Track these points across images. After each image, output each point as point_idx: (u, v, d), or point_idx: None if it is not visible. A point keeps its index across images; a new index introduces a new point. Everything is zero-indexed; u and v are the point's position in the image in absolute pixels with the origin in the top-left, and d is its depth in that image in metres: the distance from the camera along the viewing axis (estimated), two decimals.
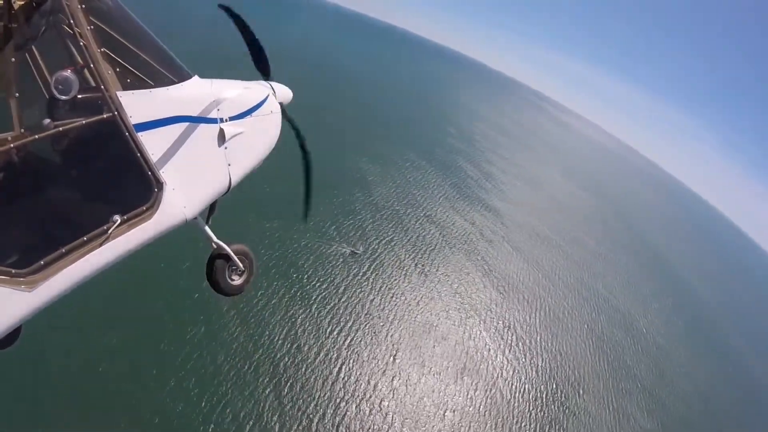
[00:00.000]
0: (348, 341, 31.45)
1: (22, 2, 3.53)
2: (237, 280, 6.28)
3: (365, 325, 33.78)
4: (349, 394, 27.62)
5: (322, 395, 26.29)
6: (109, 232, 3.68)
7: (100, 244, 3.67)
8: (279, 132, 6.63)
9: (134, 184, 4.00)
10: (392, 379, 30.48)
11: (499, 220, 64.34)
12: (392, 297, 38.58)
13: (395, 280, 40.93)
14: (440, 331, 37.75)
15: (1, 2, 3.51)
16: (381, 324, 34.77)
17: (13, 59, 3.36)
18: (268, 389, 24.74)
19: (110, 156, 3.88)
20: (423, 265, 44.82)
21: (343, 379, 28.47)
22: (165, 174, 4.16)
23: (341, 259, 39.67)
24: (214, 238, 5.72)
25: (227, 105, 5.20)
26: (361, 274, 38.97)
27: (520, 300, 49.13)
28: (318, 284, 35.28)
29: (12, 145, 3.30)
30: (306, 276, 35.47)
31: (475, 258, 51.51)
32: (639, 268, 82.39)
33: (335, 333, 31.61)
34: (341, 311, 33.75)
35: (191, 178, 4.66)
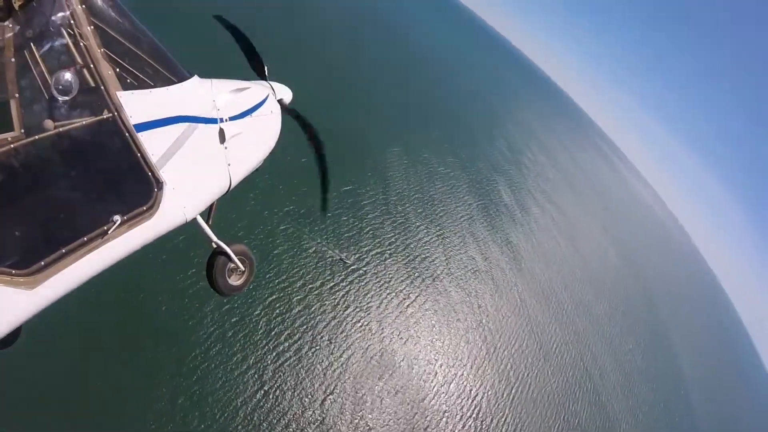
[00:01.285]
0: (286, 358, 26.95)
1: (22, 2, 3.52)
2: (237, 280, 6.32)
3: (310, 344, 28.60)
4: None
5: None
6: (109, 232, 3.71)
7: (100, 245, 3.69)
8: (279, 132, 6.67)
9: (134, 185, 4.03)
10: None
11: (516, 263, 55.24)
12: (358, 323, 32.87)
13: (371, 303, 34.82)
14: (394, 382, 31.25)
15: (1, 2, 3.51)
16: (325, 349, 29.39)
17: (13, 59, 3.36)
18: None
19: (110, 156, 3.90)
20: (411, 295, 38.01)
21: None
22: (165, 174, 4.18)
23: (327, 262, 35.05)
24: (214, 238, 5.73)
25: (227, 105, 5.24)
26: (336, 283, 33.52)
27: (502, 367, 40.85)
28: (287, 281, 30.77)
29: (12, 146, 3.28)
30: (280, 270, 31.11)
31: (474, 301, 43.65)
32: (644, 365, 67.06)
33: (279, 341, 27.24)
34: (294, 321, 28.84)
35: (191, 178, 4.68)
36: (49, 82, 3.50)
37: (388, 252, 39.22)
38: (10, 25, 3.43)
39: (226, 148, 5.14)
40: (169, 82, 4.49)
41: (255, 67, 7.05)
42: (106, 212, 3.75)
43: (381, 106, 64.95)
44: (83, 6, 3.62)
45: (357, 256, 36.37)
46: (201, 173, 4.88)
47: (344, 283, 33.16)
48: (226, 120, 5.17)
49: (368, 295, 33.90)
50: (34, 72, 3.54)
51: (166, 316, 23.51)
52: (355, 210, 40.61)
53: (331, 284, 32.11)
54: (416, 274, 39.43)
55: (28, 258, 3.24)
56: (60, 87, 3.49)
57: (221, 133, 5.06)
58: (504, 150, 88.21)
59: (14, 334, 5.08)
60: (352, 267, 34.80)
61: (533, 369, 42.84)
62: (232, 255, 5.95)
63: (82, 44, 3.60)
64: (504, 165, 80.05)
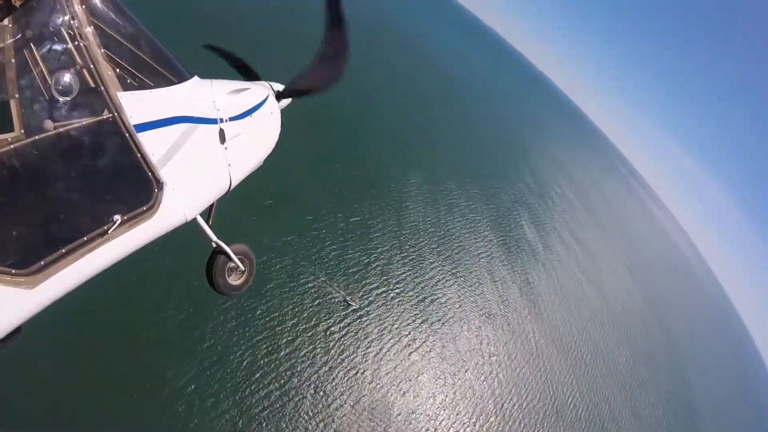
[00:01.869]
0: (266, 405, 24.66)
1: (22, 2, 3.54)
2: (237, 280, 6.31)
3: (295, 392, 25.94)
4: None
5: None
6: (109, 232, 3.74)
7: (100, 245, 3.72)
8: (279, 132, 6.70)
9: (134, 185, 4.04)
10: None
11: (535, 306, 50.19)
12: (352, 371, 29.46)
13: (370, 349, 30.87)
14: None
15: (1, 2, 3.55)
16: (311, 398, 26.68)
17: (13, 59, 3.37)
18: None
19: (110, 156, 3.91)
20: (415, 341, 34.31)
21: None
22: (165, 174, 4.21)
23: (325, 300, 31.45)
24: (214, 238, 5.74)
25: (227, 105, 5.28)
26: (332, 324, 30.26)
27: (510, 425, 36.22)
28: (277, 319, 27.85)
29: (12, 146, 3.31)
30: (272, 306, 28.25)
31: (485, 349, 39.64)
32: (664, 420, 60.48)
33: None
34: (280, 364, 26.18)
35: (191, 179, 4.71)
36: (49, 82, 3.53)
37: (395, 291, 36.03)
38: (10, 25, 3.45)
39: (226, 148, 5.17)
40: (170, 83, 4.54)
41: (248, 77, 7.27)
42: (106, 212, 3.79)
43: (402, 129, 63.00)
44: (83, 6, 3.67)
45: (360, 294, 33.39)
46: (201, 173, 4.91)
47: (341, 325, 30.27)
48: (226, 120, 5.21)
49: (367, 339, 30.85)
50: (34, 72, 3.56)
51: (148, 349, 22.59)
52: (364, 243, 37.66)
53: (327, 325, 29.40)
54: (423, 317, 36.02)
55: (28, 258, 3.27)
56: (60, 87, 3.52)
57: (221, 133, 5.09)
58: (529, 181, 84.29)
59: (14, 334, 5.06)
60: (350, 303, 31.91)
61: (544, 426, 38.66)
62: (232, 254, 5.96)
63: (82, 45, 3.63)
64: (529, 198, 76.37)
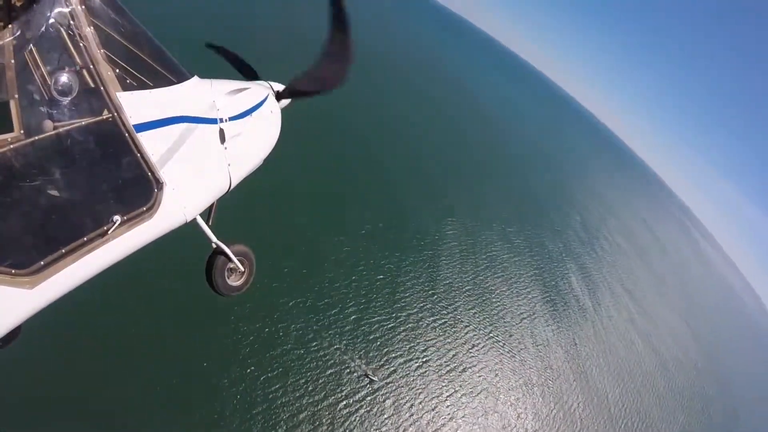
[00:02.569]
0: None
1: (22, 2, 3.54)
2: (236, 281, 6.27)
3: None
4: None
5: None
6: (109, 232, 3.74)
7: (100, 245, 3.72)
8: (279, 132, 6.69)
9: (134, 185, 4.04)
10: None
11: (581, 374, 44.09)
12: None
13: (388, 423, 27.34)
14: None
15: (1, 2, 3.54)
16: None
17: (13, 60, 3.37)
18: None
19: (110, 157, 3.92)
20: (436, 419, 29.37)
21: None
22: (165, 174, 4.22)
23: (340, 370, 27.76)
24: (214, 239, 5.71)
25: (227, 105, 5.28)
26: (342, 397, 26.57)
27: None
28: (280, 391, 24.72)
29: (12, 146, 3.32)
30: (276, 376, 25.08)
31: (523, 424, 34.48)
32: None
33: None
34: None
35: (191, 179, 4.71)
36: (49, 82, 3.54)
37: (422, 360, 31.50)
38: (10, 25, 3.47)
39: (226, 148, 5.16)
40: (169, 83, 4.55)
41: (248, 75, 7.32)
42: (106, 212, 3.79)
43: (436, 170, 58.89)
44: (83, 6, 3.68)
45: (382, 363, 29.02)
46: (201, 173, 4.91)
47: (353, 399, 26.38)
48: (226, 120, 5.21)
49: (382, 417, 26.74)
50: (34, 72, 3.58)
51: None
52: (390, 304, 33.04)
53: (336, 398, 25.64)
54: (450, 391, 31.22)
55: (27, 257, 3.27)
56: (60, 87, 3.54)
57: (221, 133, 5.09)
58: (577, 227, 78.13)
59: (14, 334, 5.09)
60: (371, 378, 27.66)
61: None
62: (232, 255, 5.93)
63: (81, 45, 3.65)
64: (577, 247, 69.67)
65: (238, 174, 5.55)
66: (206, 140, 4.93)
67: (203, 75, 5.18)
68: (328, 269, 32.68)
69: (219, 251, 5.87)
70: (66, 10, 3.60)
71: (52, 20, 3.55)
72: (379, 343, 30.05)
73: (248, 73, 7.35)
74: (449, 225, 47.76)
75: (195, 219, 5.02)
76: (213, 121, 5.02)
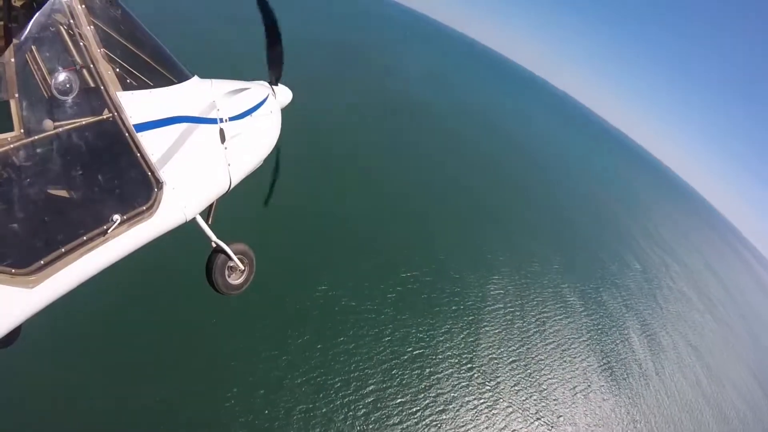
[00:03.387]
0: None
1: (22, 2, 3.68)
2: (236, 280, 6.27)
3: None
4: None
5: None
6: (109, 232, 3.75)
7: (100, 244, 3.73)
8: (279, 132, 6.73)
9: (134, 184, 4.06)
10: None
11: None
12: None
13: None
14: None
15: (1, 2, 3.65)
16: None
17: (13, 59, 3.39)
18: None
19: (110, 156, 3.94)
20: None
21: None
22: (165, 174, 4.23)
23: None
24: (214, 238, 5.71)
25: (227, 105, 5.32)
26: None
27: None
28: None
29: (12, 146, 3.34)
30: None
31: None
32: None
33: None
34: None
35: (191, 178, 4.72)
36: (49, 82, 3.58)
37: None
38: (10, 25, 3.55)
39: (226, 148, 5.19)
40: (169, 82, 4.59)
41: (273, 67, 6.91)
42: (105, 212, 3.80)
43: (474, 217, 52.96)
44: (83, 6, 3.71)
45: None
46: (201, 173, 4.93)
47: None
48: (226, 120, 5.24)
49: None
50: (34, 72, 3.64)
51: None
52: (418, 382, 29.00)
53: None
54: None
55: (27, 257, 3.28)
56: (60, 87, 3.57)
57: (221, 133, 5.12)
58: (637, 276, 69.39)
59: (14, 334, 5.06)
60: None
61: None
62: (232, 254, 5.93)
63: (81, 44, 3.67)
64: (637, 298, 61.53)
65: (238, 174, 5.58)
66: (206, 140, 4.95)
67: (203, 75, 5.22)
68: (346, 339, 28.91)
69: (219, 250, 5.86)
70: (66, 9, 3.64)
71: (52, 20, 3.59)
72: (399, 430, 26.00)
73: (275, 61, 6.93)
74: (493, 283, 42.99)
75: (195, 218, 5.05)
76: (213, 121, 5.05)
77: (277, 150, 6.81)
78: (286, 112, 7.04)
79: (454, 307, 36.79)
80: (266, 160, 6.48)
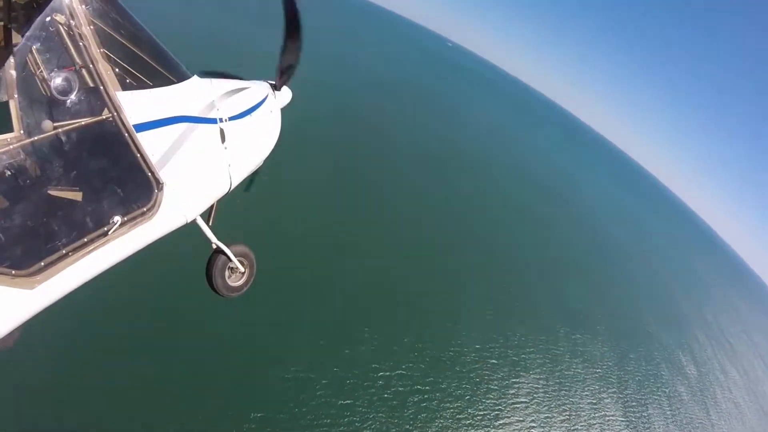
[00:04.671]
0: None
1: (22, 2, 3.63)
2: (236, 281, 6.28)
3: None
4: None
5: None
6: (110, 233, 3.74)
7: (101, 246, 3.71)
8: (279, 131, 6.70)
9: (134, 185, 4.03)
10: None
11: None
12: None
13: None
14: None
15: (1, 2, 3.63)
16: None
17: (13, 59, 3.38)
18: None
19: (110, 157, 3.91)
20: None
21: None
22: (165, 174, 4.20)
23: None
24: (214, 239, 5.71)
25: (227, 105, 5.27)
26: None
27: None
28: None
29: (12, 146, 3.33)
30: None
31: None
32: None
33: None
34: None
35: (191, 179, 4.69)
36: (49, 82, 3.55)
37: None
38: (10, 25, 3.55)
39: (226, 148, 5.15)
40: (169, 82, 4.55)
41: (283, 73, 6.51)
42: (106, 213, 3.78)
43: (523, 288, 48.49)
44: (83, 6, 3.68)
45: None
46: (201, 174, 4.90)
47: None
48: (226, 120, 5.20)
49: None
50: (34, 72, 3.59)
51: None
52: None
53: None
54: None
55: (28, 258, 3.26)
56: (59, 87, 3.55)
57: (221, 133, 5.08)
58: (691, 373, 59.36)
59: (14, 335, 5.00)
60: None
61: None
62: (232, 256, 5.94)
63: (81, 44, 3.64)
64: (688, 407, 50.91)
65: (239, 174, 5.56)
66: (206, 140, 4.92)
67: (203, 75, 5.17)
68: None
69: (219, 251, 5.87)
70: (66, 9, 3.60)
71: (52, 20, 3.56)
72: None
73: (287, 67, 6.50)
74: (530, 352, 38.91)
75: (195, 219, 5.02)
76: (213, 120, 5.01)
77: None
78: (287, 113, 6.99)
79: (476, 380, 33.71)
80: (267, 161, 6.45)
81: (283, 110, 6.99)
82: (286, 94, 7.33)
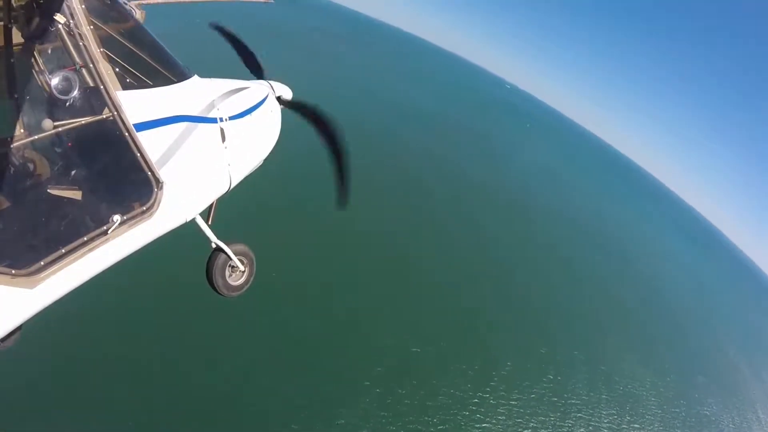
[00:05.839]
0: None
1: (22, 2, 3.55)
2: (236, 280, 6.28)
3: None
4: None
5: None
6: (109, 232, 3.69)
7: (100, 245, 3.67)
8: (279, 131, 6.70)
9: (134, 184, 4.01)
10: None
11: None
12: None
13: None
14: None
15: (1, 2, 3.50)
16: None
17: (13, 59, 3.35)
18: None
19: (110, 156, 3.91)
20: None
21: None
22: (165, 174, 4.17)
23: None
24: (214, 238, 5.71)
25: (227, 104, 5.25)
26: None
27: None
28: None
29: (12, 146, 3.31)
30: None
31: None
32: None
33: None
34: None
35: (191, 178, 4.68)
36: (49, 81, 3.54)
37: None
38: (10, 25, 3.43)
39: (226, 147, 5.14)
40: (169, 82, 4.54)
41: (253, 69, 7.17)
42: (106, 212, 3.75)
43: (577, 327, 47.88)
44: (83, 6, 3.65)
45: None
46: (201, 173, 4.89)
47: None
48: (226, 120, 5.18)
49: None
50: (34, 72, 3.60)
51: None
52: None
53: None
54: None
55: (28, 258, 3.23)
56: (60, 87, 3.54)
57: (221, 132, 5.07)
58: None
59: (14, 334, 5.11)
60: None
61: None
62: (232, 255, 5.94)
63: (81, 44, 3.61)
64: None
65: (239, 174, 5.54)
66: (206, 140, 4.91)
67: (203, 74, 5.18)
68: None
69: (219, 251, 5.87)
70: (66, 9, 3.57)
71: (52, 20, 3.54)
72: None
73: (254, 67, 7.26)
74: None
75: (195, 219, 5.03)
76: (213, 120, 5.00)
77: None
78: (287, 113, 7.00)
79: None
80: (267, 161, 6.44)
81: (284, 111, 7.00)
82: (286, 93, 7.30)
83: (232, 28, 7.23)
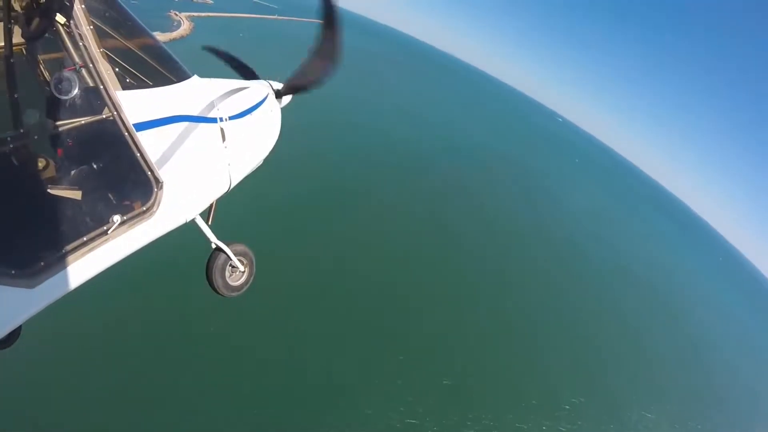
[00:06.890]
0: None
1: (23, 2, 3.51)
2: (236, 280, 6.24)
3: None
4: None
5: None
6: (109, 232, 3.69)
7: (100, 245, 3.67)
8: (279, 130, 6.65)
9: (134, 184, 3.99)
10: None
11: None
12: None
13: None
14: None
15: (1, 2, 3.50)
16: None
17: (13, 59, 3.31)
18: None
19: (110, 156, 3.89)
20: None
21: None
22: (165, 174, 4.15)
23: None
24: (214, 239, 5.69)
25: (227, 104, 5.23)
26: None
27: None
28: None
29: (12, 146, 3.30)
30: None
31: None
32: None
33: None
34: None
35: (191, 178, 4.66)
36: (49, 81, 3.53)
37: None
38: (10, 25, 3.42)
39: (226, 147, 5.11)
40: (169, 82, 4.52)
41: (248, 77, 7.11)
42: (105, 212, 3.74)
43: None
44: (83, 6, 3.63)
45: None
46: (201, 173, 4.87)
47: None
48: (226, 119, 5.16)
49: None
50: (34, 72, 3.60)
51: None
52: None
53: None
54: None
55: (27, 258, 3.23)
56: (59, 86, 3.52)
57: (221, 132, 5.04)
58: None
59: (14, 334, 5.11)
60: None
61: None
62: (232, 255, 5.91)
63: (81, 44, 3.59)
64: None
65: (239, 174, 5.53)
66: (206, 140, 4.89)
67: (203, 74, 5.14)
68: None
69: (219, 251, 5.86)
70: (66, 9, 3.55)
71: (51, 19, 3.50)
72: None
73: (246, 74, 7.26)
74: None
75: (195, 219, 5.02)
76: (213, 120, 4.98)
77: None
78: (287, 113, 6.94)
79: None
80: (267, 160, 6.42)
81: (284, 110, 6.93)
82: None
83: (224, 49, 7.29)
